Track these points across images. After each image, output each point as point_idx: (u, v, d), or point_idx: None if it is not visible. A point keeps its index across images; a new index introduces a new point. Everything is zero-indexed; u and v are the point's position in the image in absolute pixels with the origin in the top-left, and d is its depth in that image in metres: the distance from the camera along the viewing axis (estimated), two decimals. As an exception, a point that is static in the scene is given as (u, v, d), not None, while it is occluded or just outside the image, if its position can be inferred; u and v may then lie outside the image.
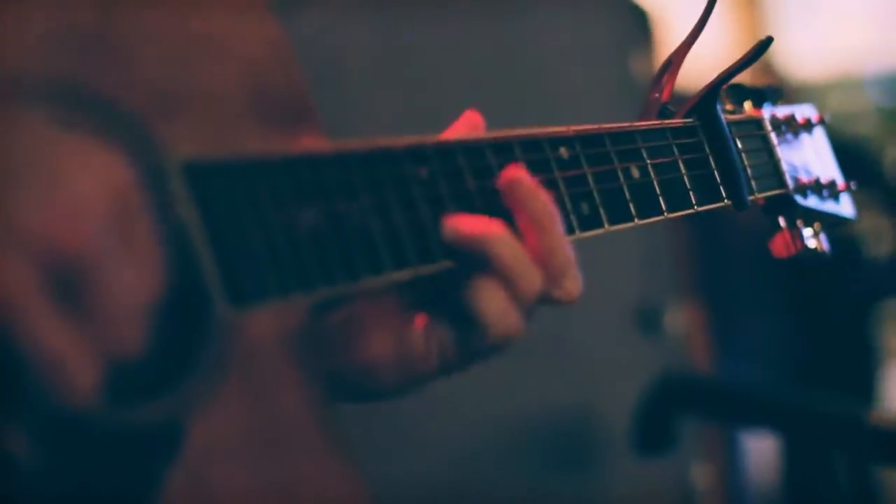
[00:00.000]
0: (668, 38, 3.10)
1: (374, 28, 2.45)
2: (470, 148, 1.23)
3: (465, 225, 1.17)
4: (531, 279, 1.21)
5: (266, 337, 1.10)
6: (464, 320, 1.22)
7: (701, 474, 3.16)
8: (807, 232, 1.64)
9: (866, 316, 4.42)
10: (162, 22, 1.09)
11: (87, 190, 0.89)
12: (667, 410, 2.72)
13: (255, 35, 1.16)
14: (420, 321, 1.26)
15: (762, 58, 1.52)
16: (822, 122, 1.72)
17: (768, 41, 1.49)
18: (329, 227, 1.08)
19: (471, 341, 1.24)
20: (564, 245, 1.24)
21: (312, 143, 1.13)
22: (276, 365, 1.11)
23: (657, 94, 1.50)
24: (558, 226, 1.24)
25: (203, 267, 0.99)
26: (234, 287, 1.01)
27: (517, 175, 1.23)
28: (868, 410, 2.59)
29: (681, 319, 3.12)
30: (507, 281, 1.20)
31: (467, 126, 1.34)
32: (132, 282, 0.91)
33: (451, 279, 1.21)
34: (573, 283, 1.26)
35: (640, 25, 3.03)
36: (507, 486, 2.73)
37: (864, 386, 4.28)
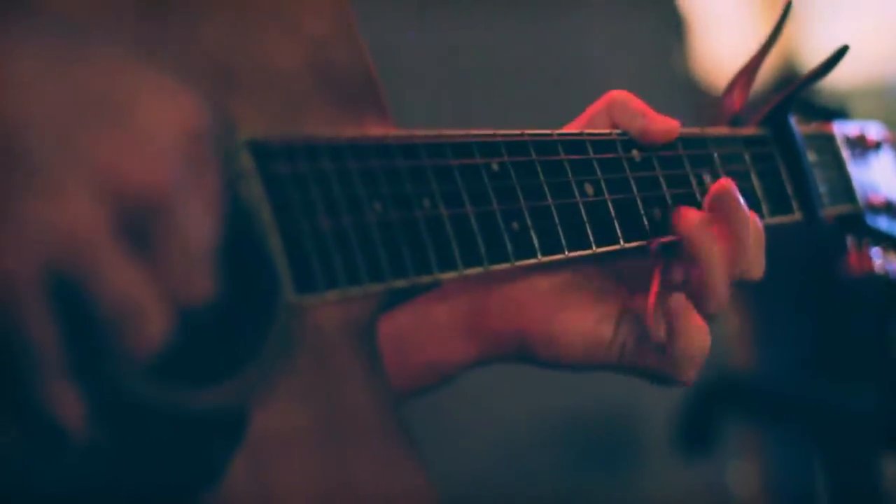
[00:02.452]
0: (704, 33, 3.09)
1: (420, 27, 2.43)
2: (542, 141, 1.19)
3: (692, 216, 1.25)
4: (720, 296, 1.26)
5: (336, 327, 1.05)
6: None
7: (741, 475, 3.11)
8: (874, 253, 1.59)
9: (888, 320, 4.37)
10: None
11: (162, 128, 0.83)
12: (711, 411, 2.68)
13: (323, 11, 1.11)
14: (615, 306, 1.30)
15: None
16: (892, 142, 1.67)
17: (844, 49, 1.44)
18: (401, 217, 1.03)
19: (652, 368, 1.29)
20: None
21: (382, 130, 1.08)
22: (345, 356, 1.06)
23: (729, 103, 1.45)
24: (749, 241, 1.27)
25: (272, 252, 0.95)
26: (303, 274, 0.96)
27: (730, 185, 1.28)
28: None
29: (723, 318, 3.08)
30: (701, 298, 1.25)
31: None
32: (203, 227, 0.85)
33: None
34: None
35: (678, 21, 3.01)
36: (546, 484, 2.71)
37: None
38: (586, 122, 1.32)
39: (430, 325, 1.36)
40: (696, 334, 1.25)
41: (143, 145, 0.81)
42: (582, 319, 1.30)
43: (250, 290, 0.95)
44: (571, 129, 1.30)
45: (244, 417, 0.95)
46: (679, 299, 1.25)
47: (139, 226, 0.81)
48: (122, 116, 0.81)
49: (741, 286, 1.29)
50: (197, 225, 0.84)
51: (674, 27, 2.98)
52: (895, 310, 4.48)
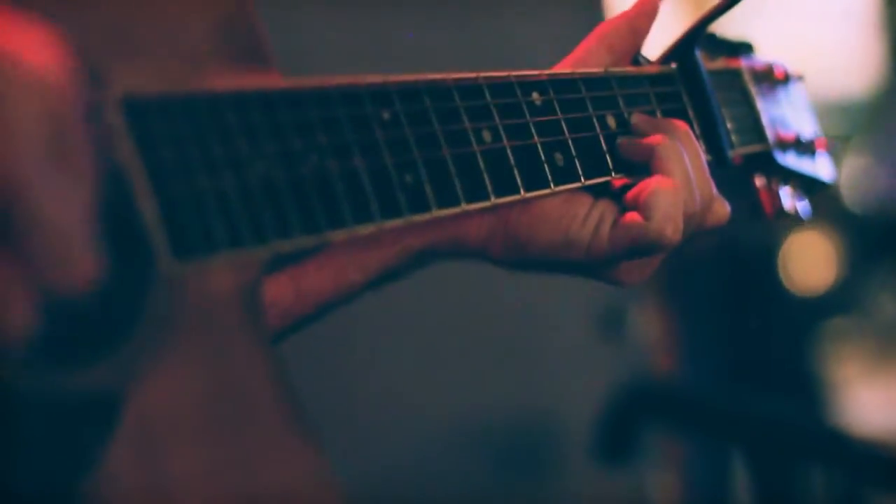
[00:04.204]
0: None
1: (353, 26, 2.40)
2: (437, 89, 1.12)
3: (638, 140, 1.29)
4: (692, 192, 1.27)
5: (219, 295, 0.98)
6: (630, 208, 1.27)
7: (659, 485, 3.12)
8: (784, 192, 1.54)
9: (802, 338, 4.41)
10: None
11: (15, 110, 0.77)
12: (630, 418, 2.68)
13: None
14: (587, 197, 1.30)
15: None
16: (800, 77, 1.62)
17: (751, -18, 1.38)
18: (285, 172, 0.96)
19: (630, 230, 1.26)
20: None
21: (267, 80, 1.01)
22: (229, 326, 0.99)
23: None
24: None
25: (144, 215, 0.88)
26: (179, 238, 0.89)
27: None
28: (838, 422, 2.59)
29: (644, 323, 3.11)
30: (675, 188, 1.25)
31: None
32: (72, 211, 0.79)
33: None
34: (722, 207, 1.35)
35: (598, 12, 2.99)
36: (461, 488, 2.69)
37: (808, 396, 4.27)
38: (579, 61, 1.33)
39: None
40: (667, 188, 1.25)
41: None
42: (557, 203, 1.29)
43: (126, 262, 0.88)
44: (561, 67, 1.32)
45: (117, 401, 0.88)
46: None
47: (2, 217, 0.76)
48: None
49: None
50: (64, 210, 0.79)
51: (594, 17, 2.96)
52: (810, 323, 4.54)
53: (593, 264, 1.31)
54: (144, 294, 0.88)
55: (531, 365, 2.84)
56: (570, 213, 1.28)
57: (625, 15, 1.36)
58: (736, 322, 4.09)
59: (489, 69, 1.20)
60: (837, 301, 4.92)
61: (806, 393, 4.23)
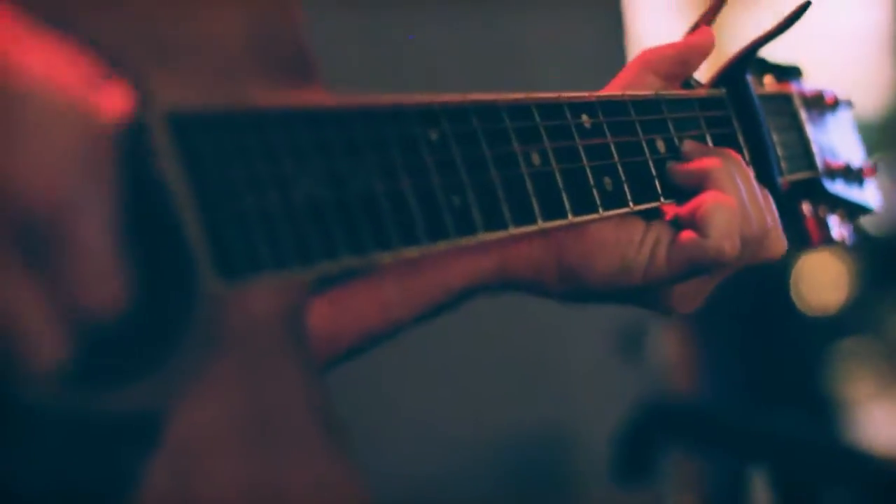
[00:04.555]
0: (641, 24, 3.06)
1: (364, 27, 2.39)
2: (485, 109, 1.10)
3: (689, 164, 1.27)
4: (748, 215, 1.25)
5: (262, 316, 0.96)
6: (685, 226, 1.25)
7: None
8: (832, 220, 1.51)
9: (816, 357, 4.40)
10: None
11: (54, 130, 0.75)
12: (648, 438, 2.65)
13: None
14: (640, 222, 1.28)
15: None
16: (849, 102, 1.59)
17: (806, 5, 1.35)
18: (332, 192, 0.94)
19: (687, 248, 1.23)
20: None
21: (312, 96, 0.99)
22: (271, 348, 0.97)
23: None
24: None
25: (188, 233, 0.86)
26: (223, 258, 0.87)
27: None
28: (854, 441, 2.57)
29: (664, 343, 3.08)
30: (732, 205, 1.23)
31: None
32: (105, 234, 0.77)
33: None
34: (778, 240, 1.32)
35: (616, 14, 2.97)
36: None
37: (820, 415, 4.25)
38: (626, 85, 1.31)
39: None
40: (724, 203, 1.23)
41: (31, 154, 0.73)
42: (613, 221, 1.26)
43: (167, 282, 0.86)
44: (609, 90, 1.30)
45: (159, 421, 0.86)
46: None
47: (35, 239, 0.74)
48: (7, 122, 0.73)
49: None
50: (98, 233, 0.77)
51: (612, 20, 2.94)
52: (823, 343, 4.53)
53: (649, 291, 1.28)
54: (187, 314, 0.86)
55: (550, 383, 2.83)
56: (624, 238, 1.26)
57: (675, 46, 1.33)
58: (751, 342, 4.07)
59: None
60: (850, 321, 4.90)
61: (820, 412, 4.22)
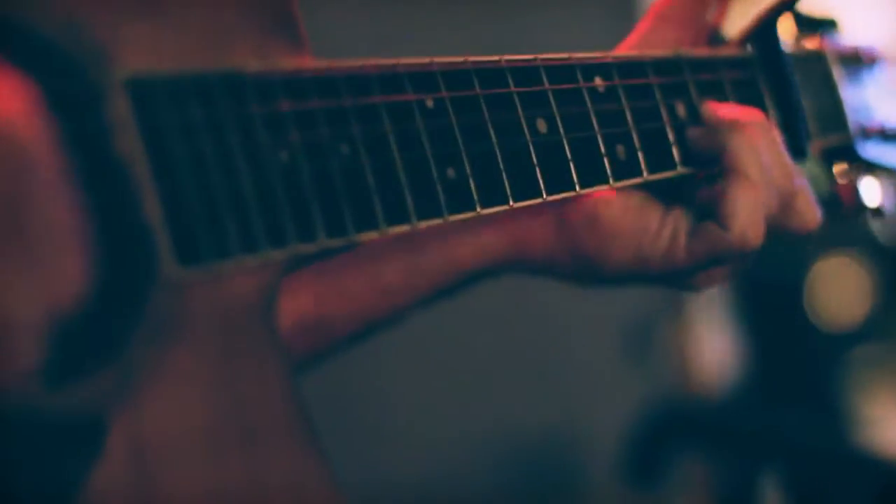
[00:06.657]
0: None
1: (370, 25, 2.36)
2: (488, 71, 1.01)
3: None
4: (770, 189, 1.17)
5: (231, 302, 0.88)
6: (705, 214, 1.17)
7: None
8: (864, 184, 1.42)
9: (831, 364, 4.35)
10: None
11: None
12: (658, 440, 2.61)
13: None
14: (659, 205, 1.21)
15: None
16: (888, 60, 1.49)
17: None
18: (311, 166, 0.86)
19: (708, 240, 1.17)
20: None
21: (300, 62, 0.91)
22: (244, 338, 0.89)
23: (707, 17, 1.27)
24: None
25: (147, 213, 0.78)
26: (186, 239, 0.80)
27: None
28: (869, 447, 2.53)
29: (673, 340, 3.06)
30: (754, 191, 1.15)
31: None
32: (18, 303, 0.72)
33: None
34: (809, 206, 1.23)
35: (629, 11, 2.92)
36: None
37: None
38: (642, 42, 1.25)
39: None
40: (746, 193, 1.16)
41: None
42: (630, 209, 1.19)
43: (126, 267, 0.78)
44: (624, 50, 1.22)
45: (100, 424, 0.79)
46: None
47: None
48: None
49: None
50: (12, 302, 0.72)
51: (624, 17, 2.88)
52: (839, 350, 4.46)
53: (668, 275, 1.21)
54: (142, 306, 0.79)
55: (559, 383, 2.83)
56: (641, 227, 1.19)
57: None
58: (764, 345, 4.04)
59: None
60: (867, 330, 4.84)
61: (834, 416, 4.19)
